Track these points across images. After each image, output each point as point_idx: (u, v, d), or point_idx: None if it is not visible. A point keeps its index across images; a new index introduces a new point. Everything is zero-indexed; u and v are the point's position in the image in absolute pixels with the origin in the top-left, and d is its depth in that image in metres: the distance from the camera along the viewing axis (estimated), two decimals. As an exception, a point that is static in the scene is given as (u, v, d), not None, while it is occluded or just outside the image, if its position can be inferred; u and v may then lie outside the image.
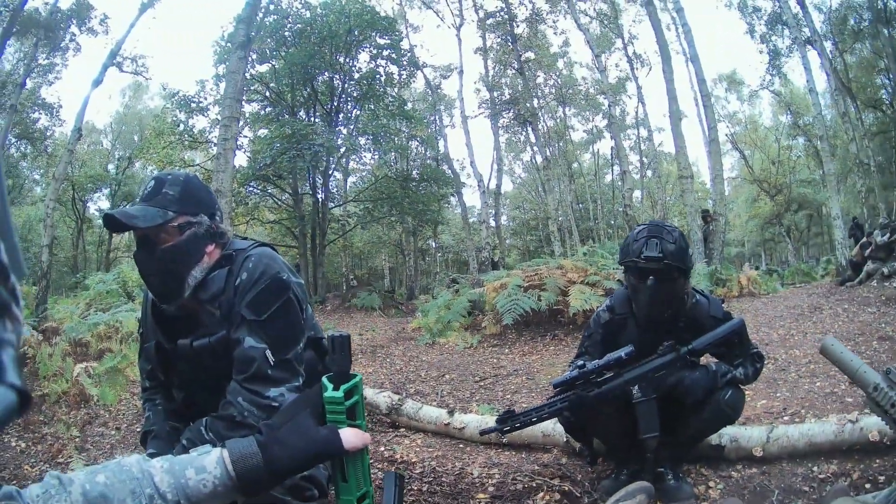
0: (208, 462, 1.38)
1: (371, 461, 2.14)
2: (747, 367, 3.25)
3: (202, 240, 2.37)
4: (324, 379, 1.59)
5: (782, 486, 3.23)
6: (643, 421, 3.05)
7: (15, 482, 4.91)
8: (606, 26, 29.68)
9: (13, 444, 6.01)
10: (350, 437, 1.49)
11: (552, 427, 4.17)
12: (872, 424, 3.27)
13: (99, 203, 37.59)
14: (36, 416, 6.71)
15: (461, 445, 4.75)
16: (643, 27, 36.54)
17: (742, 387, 3.32)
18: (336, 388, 1.55)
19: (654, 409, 3.05)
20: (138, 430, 5.86)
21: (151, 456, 2.12)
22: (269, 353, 2.28)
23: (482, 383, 7.85)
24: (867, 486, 3.07)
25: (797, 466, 3.41)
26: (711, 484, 3.40)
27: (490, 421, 4.55)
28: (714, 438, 3.58)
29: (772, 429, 3.64)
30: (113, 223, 2.24)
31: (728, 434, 3.60)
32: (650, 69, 30.21)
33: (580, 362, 3.16)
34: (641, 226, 3.25)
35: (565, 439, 4.09)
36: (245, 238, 2.62)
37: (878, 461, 3.26)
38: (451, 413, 5.07)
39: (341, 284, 29.17)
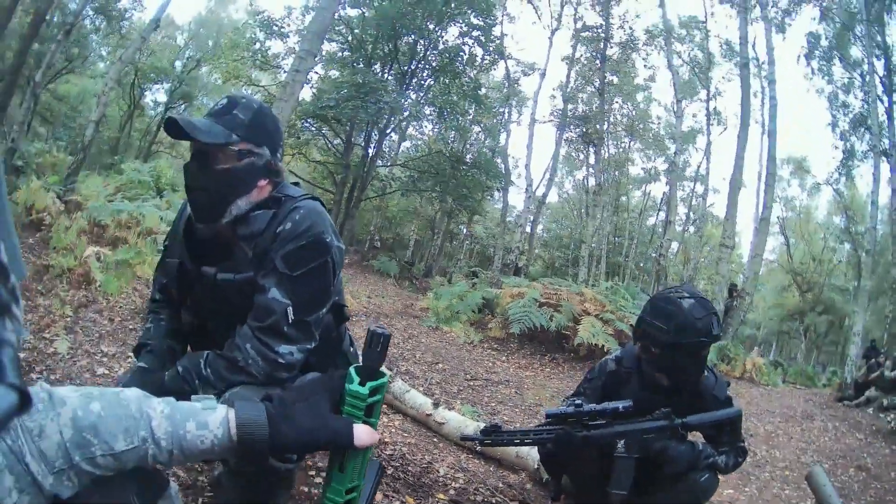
0: (212, 420, 1.38)
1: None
2: (730, 457, 3.23)
3: (257, 172, 2.29)
4: (351, 370, 1.61)
5: None
6: (617, 476, 3.03)
7: None
8: (696, 74, 29.41)
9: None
10: (362, 434, 1.52)
11: (528, 451, 4.18)
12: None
13: (156, 95, 38.15)
14: (34, 285, 6.71)
15: (435, 440, 4.75)
16: (730, 86, 36.14)
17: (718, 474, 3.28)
18: (363, 383, 1.57)
19: (631, 468, 3.03)
20: (130, 327, 6.03)
21: (140, 370, 2.27)
22: (290, 309, 2.17)
23: (472, 383, 7.90)
24: None
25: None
26: None
27: (471, 425, 4.68)
28: None
29: None
30: (175, 129, 2.12)
31: None
32: (724, 129, 30.04)
33: (578, 401, 3.12)
34: (689, 299, 3.12)
35: (536, 466, 4.10)
36: (296, 184, 2.52)
37: None
38: (435, 405, 5.07)
39: (365, 241, 29.24)
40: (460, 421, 4.87)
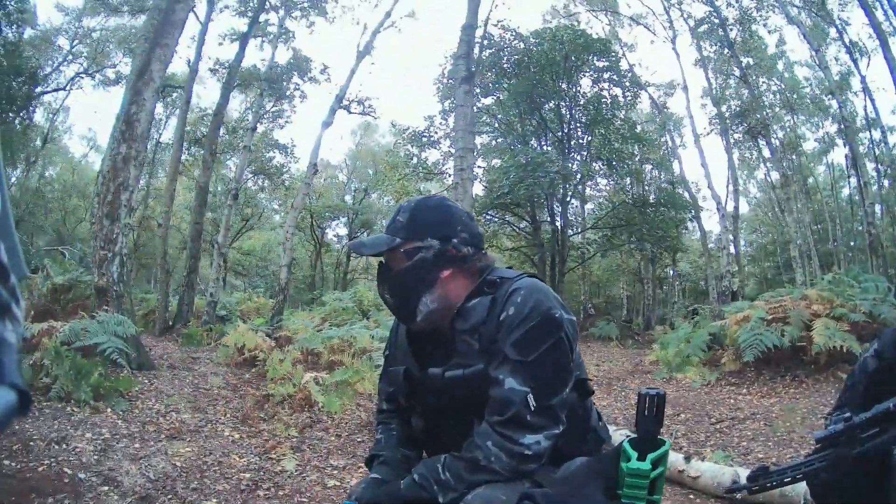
0: None
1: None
2: None
3: (433, 265, 2.23)
4: (625, 444, 1.52)
5: None
6: None
7: (217, 469, 5.39)
8: (817, 15, 27.86)
9: (226, 433, 6.46)
10: None
11: (791, 488, 3.90)
12: None
13: (337, 230, 40.76)
14: (256, 412, 7.16)
15: (692, 496, 4.65)
16: (852, 13, 33.56)
17: None
18: (642, 458, 1.46)
19: None
20: (358, 440, 6.31)
21: (374, 481, 2.21)
22: (531, 397, 2.00)
23: (718, 426, 7.74)
24: None
25: None
26: None
27: (727, 472, 4.64)
28: None
29: None
30: (355, 249, 2.39)
31: None
32: (870, 58, 27.78)
33: (847, 414, 2.59)
34: None
35: (803, 501, 3.93)
36: (510, 268, 2.41)
37: None
38: (686, 459, 4.98)
39: (579, 312, 28.69)
40: (716, 470, 4.75)
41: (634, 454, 1.48)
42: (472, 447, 2.04)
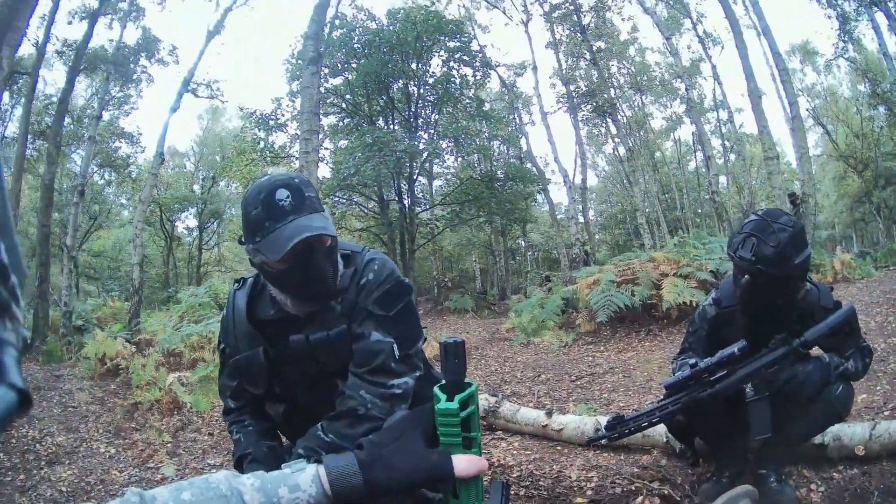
0: (303, 480, 1.33)
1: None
2: (857, 361, 3.12)
3: (337, 239, 2.38)
4: (436, 389, 1.53)
5: (881, 487, 3.10)
6: (756, 421, 2.92)
7: (101, 487, 5.22)
8: (673, 6, 29.09)
9: (102, 449, 6.26)
10: (463, 464, 1.41)
11: (652, 429, 3.83)
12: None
13: (187, 222, 38.99)
14: (127, 423, 6.97)
15: (559, 447, 4.66)
16: (710, 5, 35.42)
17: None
18: (450, 399, 1.48)
19: (766, 408, 2.92)
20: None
21: None
22: (395, 346, 2.30)
23: (578, 382, 7.86)
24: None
25: (899, 466, 3.27)
26: (813, 486, 3.28)
27: (589, 422, 4.61)
28: (817, 437, 3.42)
29: (874, 425, 3.43)
30: (310, 235, 2.17)
31: (832, 432, 3.43)
32: (722, 48, 29.51)
33: (691, 360, 3.02)
34: (752, 217, 3.05)
35: (665, 440, 4.01)
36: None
37: None
38: (549, 414, 4.98)
39: (432, 288, 29.28)
40: (578, 421, 4.77)
41: (444, 397, 1.49)
42: (345, 400, 2.25)
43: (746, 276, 2.98)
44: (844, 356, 3.10)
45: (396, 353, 2.30)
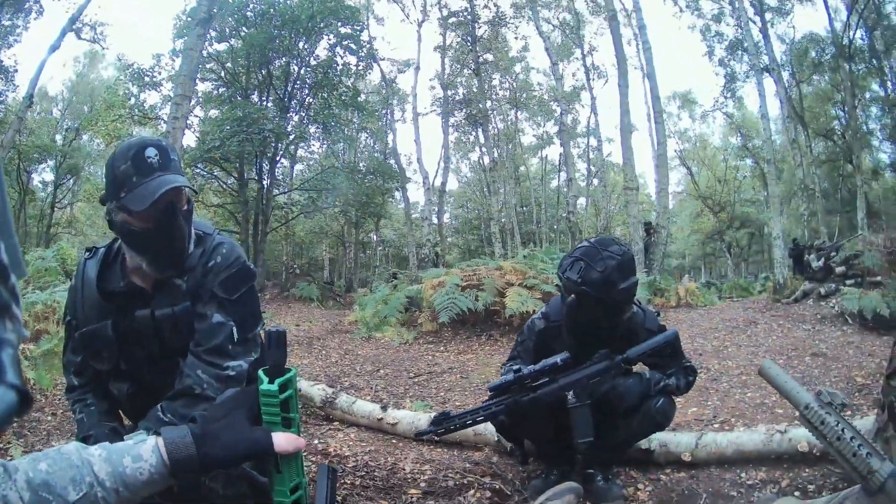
0: (144, 450, 1.39)
1: (304, 454, 2.20)
2: (680, 378, 3.34)
3: (193, 207, 2.48)
4: (260, 372, 1.61)
5: (710, 490, 3.32)
6: (577, 426, 3.09)
7: None
8: (568, 36, 29.97)
9: None
10: (282, 441, 1.52)
11: (484, 426, 4.07)
12: (801, 436, 3.38)
13: (44, 174, 36.63)
14: None
15: (394, 441, 4.74)
16: (604, 40, 37.04)
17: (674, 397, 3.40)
18: (271, 382, 1.58)
19: (588, 414, 3.10)
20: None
21: None
22: (235, 329, 2.37)
23: (416, 380, 7.90)
24: (796, 493, 3.16)
25: (726, 472, 3.52)
26: (640, 486, 3.48)
27: (423, 418, 4.67)
28: (644, 443, 3.65)
29: (701, 435, 3.73)
30: (165, 184, 2.22)
31: (658, 439, 3.68)
32: (606, 81, 30.95)
33: (516, 367, 3.18)
34: (584, 244, 3.31)
35: (496, 438, 4.11)
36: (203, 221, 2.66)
37: (807, 471, 3.36)
38: (384, 408, 5.07)
39: (281, 273, 28.98)
40: (412, 416, 4.86)
41: (266, 379, 1.60)
42: (182, 378, 2.30)
43: (572, 296, 3.17)
44: (666, 374, 3.34)
45: (235, 335, 2.37)
